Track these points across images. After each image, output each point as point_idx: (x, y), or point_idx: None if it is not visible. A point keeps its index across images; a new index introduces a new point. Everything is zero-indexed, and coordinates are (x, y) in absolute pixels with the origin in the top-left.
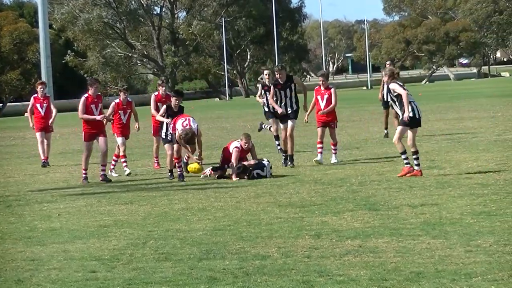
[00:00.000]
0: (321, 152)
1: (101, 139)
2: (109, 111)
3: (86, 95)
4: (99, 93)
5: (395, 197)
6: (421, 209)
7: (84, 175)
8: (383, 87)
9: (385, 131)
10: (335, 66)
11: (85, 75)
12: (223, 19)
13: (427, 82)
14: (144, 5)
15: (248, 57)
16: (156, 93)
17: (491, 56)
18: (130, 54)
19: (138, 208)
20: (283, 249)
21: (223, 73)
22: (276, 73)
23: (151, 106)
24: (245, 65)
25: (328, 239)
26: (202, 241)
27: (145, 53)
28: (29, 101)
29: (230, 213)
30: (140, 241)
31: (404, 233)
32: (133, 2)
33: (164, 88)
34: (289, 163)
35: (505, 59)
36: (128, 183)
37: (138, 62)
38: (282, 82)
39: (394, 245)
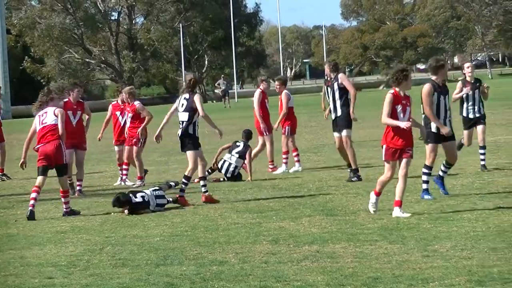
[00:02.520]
0: (285, 163)
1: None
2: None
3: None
4: (80, 100)
5: (353, 202)
6: (379, 214)
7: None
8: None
9: None
10: (293, 71)
11: (42, 81)
12: (180, 24)
13: (384, 88)
14: (102, 11)
15: (206, 62)
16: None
17: (449, 62)
18: (87, 60)
19: (95, 214)
20: (241, 254)
21: (180, 78)
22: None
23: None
24: (203, 71)
25: (285, 244)
26: (159, 247)
27: (103, 58)
28: None
29: (187, 218)
30: (97, 247)
31: (362, 238)
32: (91, 8)
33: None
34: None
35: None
36: (84, 189)
37: (96, 67)
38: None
39: (352, 250)
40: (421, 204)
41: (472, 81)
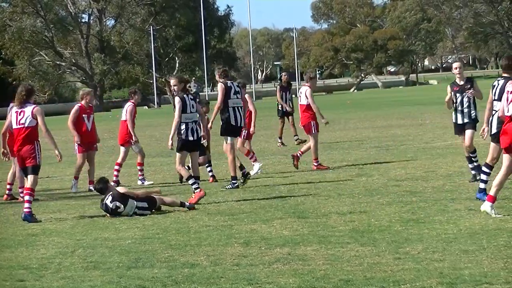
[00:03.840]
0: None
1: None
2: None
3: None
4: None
5: (324, 204)
6: (350, 216)
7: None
8: (281, 97)
9: (280, 140)
10: (264, 74)
11: (14, 83)
12: (151, 27)
13: (355, 90)
14: (73, 13)
15: (177, 65)
16: None
17: (419, 64)
18: (58, 63)
19: (67, 217)
20: (212, 257)
21: (151, 81)
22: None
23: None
24: (173, 73)
25: (257, 247)
26: (131, 249)
27: (74, 61)
28: None
29: (159, 221)
30: (69, 249)
31: (333, 241)
32: (61, 10)
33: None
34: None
35: (433, 67)
36: (56, 191)
37: (67, 70)
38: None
39: (323, 252)
40: (392, 207)
41: (462, 83)
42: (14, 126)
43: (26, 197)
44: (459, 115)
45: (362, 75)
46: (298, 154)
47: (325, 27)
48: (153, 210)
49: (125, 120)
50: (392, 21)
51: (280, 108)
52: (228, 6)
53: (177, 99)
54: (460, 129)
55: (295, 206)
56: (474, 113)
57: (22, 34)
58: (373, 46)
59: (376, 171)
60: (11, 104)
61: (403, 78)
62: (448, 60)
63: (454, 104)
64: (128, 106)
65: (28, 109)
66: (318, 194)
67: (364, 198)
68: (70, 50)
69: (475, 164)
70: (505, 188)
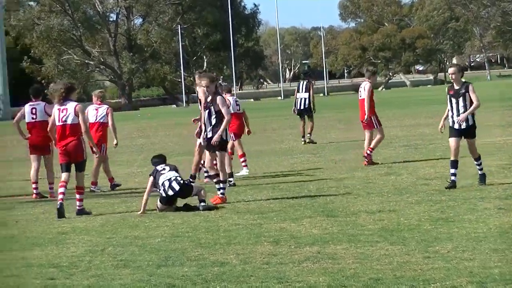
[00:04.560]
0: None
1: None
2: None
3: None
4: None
5: (353, 203)
6: (379, 215)
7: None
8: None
9: (303, 139)
10: (292, 73)
11: (43, 82)
12: (179, 26)
13: (383, 89)
14: (100, 12)
15: (205, 64)
16: None
17: (447, 63)
18: (87, 61)
19: (96, 215)
20: (242, 255)
21: (179, 80)
22: None
23: None
24: (198, 70)
25: (286, 245)
26: (160, 248)
27: (102, 60)
28: None
29: (188, 219)
30: (99, 248)
31: (362, 240)
32: (89, 9)
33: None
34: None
35: None
36: (86, 189)
37: (95, 69)
38: None
39: (353, 251)
40: (422, 205)
41: (457, 87)
42: (57, 123)
43: (78, 196)
44: (455, 120)
45: (390, 74)
46: (368, 152)
47: (352, 26)
48: (178, 200)
49: None
50: (419, 20)
51: (300, 107)
52: (255, 5)
53: (222, 98)
54: (455, 133)
55: (324, 205)
56: (471, 119)
57: (50, 33)
58: (401, 45)
59: (405, 170)
60: (26, 105)
61: (431, 77)
62: (477, 59)
63: (449, 109)
64: None
65: (71, 107)
66: (347, 193)
67: (393, 197)
68: (98, 49)
69: (480, 172)
70: None
